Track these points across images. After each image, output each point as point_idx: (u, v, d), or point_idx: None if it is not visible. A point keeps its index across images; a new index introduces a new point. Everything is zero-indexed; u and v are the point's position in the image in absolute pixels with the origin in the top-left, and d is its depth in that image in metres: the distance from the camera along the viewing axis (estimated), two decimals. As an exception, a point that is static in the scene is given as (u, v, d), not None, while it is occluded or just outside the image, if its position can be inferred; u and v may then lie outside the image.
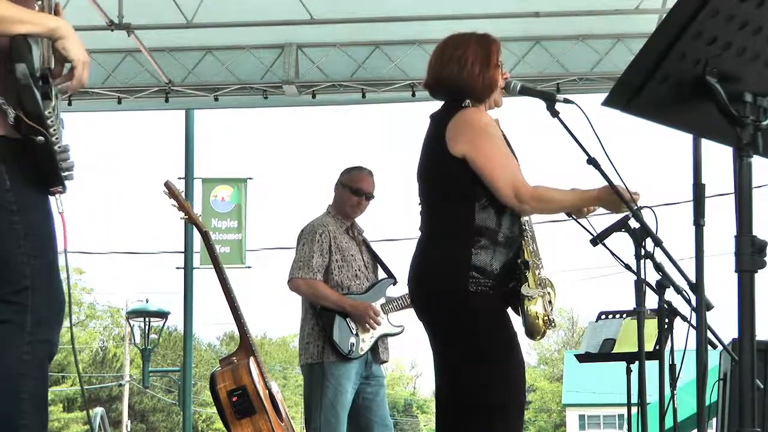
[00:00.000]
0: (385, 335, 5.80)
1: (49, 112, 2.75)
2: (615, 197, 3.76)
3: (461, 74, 3.83)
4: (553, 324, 3.86)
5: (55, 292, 2.88)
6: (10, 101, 2.71)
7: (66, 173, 2.85)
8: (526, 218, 3.92)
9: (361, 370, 5.72)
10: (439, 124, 3.85)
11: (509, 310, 3.87)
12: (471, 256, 3.70)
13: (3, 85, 2.72)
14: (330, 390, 5.59)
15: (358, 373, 5.70)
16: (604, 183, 3.87)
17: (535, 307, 3.77)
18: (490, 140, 3.76)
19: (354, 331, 5.65)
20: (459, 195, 3.77)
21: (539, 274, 3.83)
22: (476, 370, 3.71)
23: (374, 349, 5.75)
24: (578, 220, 4.64)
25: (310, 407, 5.66)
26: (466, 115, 3.79)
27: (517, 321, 3.87)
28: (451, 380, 3.80)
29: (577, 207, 3.86)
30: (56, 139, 2.77)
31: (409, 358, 65.10)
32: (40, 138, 2.74)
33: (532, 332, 3.83)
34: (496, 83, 3.88)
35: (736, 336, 2.22)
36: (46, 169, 2.81)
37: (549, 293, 3.86)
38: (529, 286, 3.77)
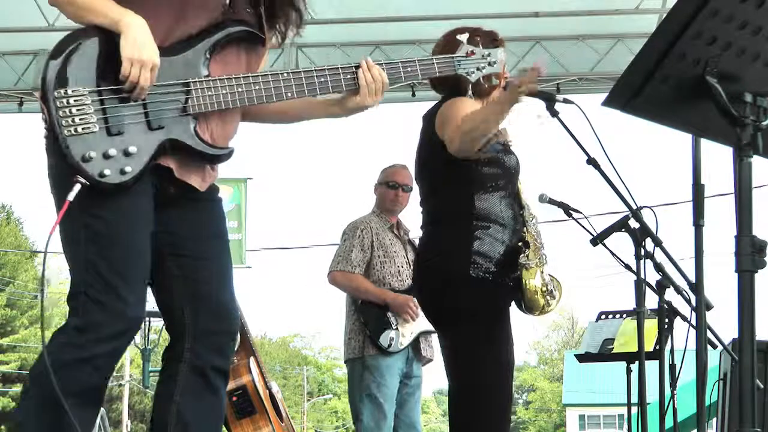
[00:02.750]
0: (427, 332, 5.77)
1: (59, 94, 2.71)
2: (510, 91, 3.61)
3: None
4: (552, 297, 3.81)
5: (113, 302, 2.78)
6: None
7: (87, 164, 2.72)
8: (532, 221, 3.91)
9: (403, 367, 5.72)
10: (431, 117, 3.89)
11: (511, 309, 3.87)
12: (473, 241, 3.71)
13: None
14: (372, 384, 5.58)
15: (400, 369, 5.70)
16: (606, 184, 3.87)
17: (534, 281, 3.75)
18: (455, 107, 3.76)
19: (394, 326, 5.64)
20: (457, 182, 3.80)
21: (540, 252, 3.81)
22: (473, 354, 3.73)
23: (416, 346, 5.74)
24: (578, 220, 4.65)
25: (354, 402, 5.66)
26: (450, 102, 3.82)
27: (525, 320, 3.87)
28: (450, 363, 3.82)
29: (494, 116, 3.65)
30: (70, 124, 2.71)
31: (409, 358, 64.89)
32: (45, 134, 2.75)
33: (532, 307, 3.80)
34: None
35: (736, 336, 2.22)
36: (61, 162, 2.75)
37: (545, 260, 3.83)
38: (528, 257, 3.75)
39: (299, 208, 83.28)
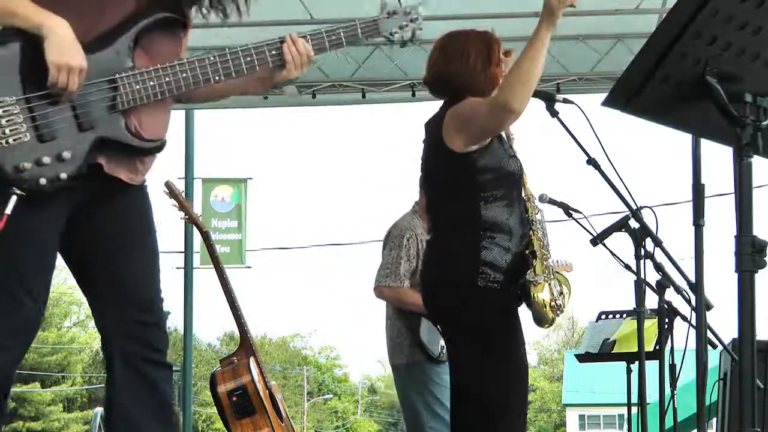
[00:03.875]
0: None
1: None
2: (552, 5, 3.55)
3: (464, 71, 3.81)
4: (560, 310, 3.82)
5: (6, 299, 2.82)
6: None
7: (22, 174, 2.72)
8: (538, 216, 3.90)
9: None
10: (435, 124, 3.84)
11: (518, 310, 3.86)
12: (480, 251, 3.69)
13: None
14: (438, 389, 5.44)
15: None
16: (606, 184, 3.87)
17: (542, 294, 3.74)
18: (469, 104, 3.74)
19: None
20: (463, 191, 3.77)
21: (547, 263, 3.81)
22: (480, 367, 3.71)
23: None
24: (578, 220, 4.65)
25: (415, 409, 5.51)
26: (453, 109, 3.78)
27: (524, 319, 3.86)
28: (457, 376, 3.80)
29: (537, 51, 3.58)
30: (1, 136, 2.69)
31: (409, 358, 64.74)
32: None
33: (540, 320, 3.79)
34: (497, 80, 3.87)
35: (736, 336, 2.22)
36: None
37: (556, 281, 3.83)
38: (535, 272, 3.74)
39: (299, 208, 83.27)
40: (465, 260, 3.71)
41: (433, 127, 3.86)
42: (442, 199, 3.85)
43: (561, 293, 3.86)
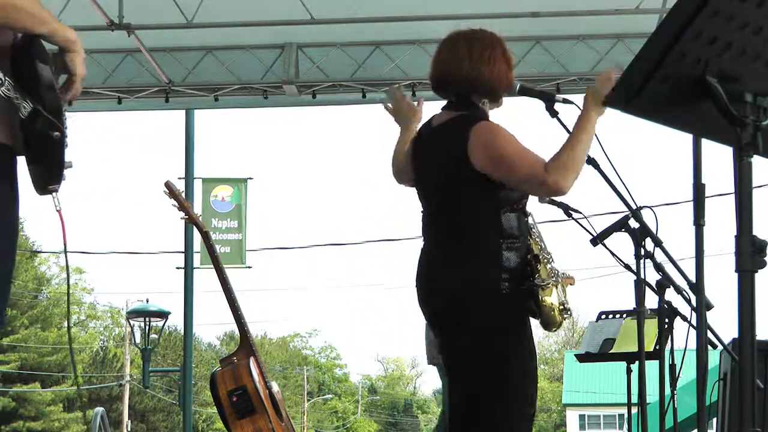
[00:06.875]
0: None
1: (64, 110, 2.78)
2: (598, 92, 3.70)
3: (490, 75, 3.78)
4: (569, 313, 3.81)
5: None
6: (26, 97, 2.69)
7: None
8: (529, 220, 3.88)
9: None
10: (456, 137, 3.77)
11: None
12: (501, 258, 3.68)
13: (16, 81, 2.69)
14: None
15: None
16: (606, 184, 3.87)
17: (550, 298, 3.71)
18: (507, 146, 3.71)
19: None
20: (484, 203, 3.72)
21: (550, 267, 3.79)
22: (498, 374, 3.68)
23: None
24: (578, 220, 4.65)
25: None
26: (484, 132, 3.72)
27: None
28: (473, 381, 3.75)
29: (590, 138, 3.73)
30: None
31: (409, 358, 65.05)
32: (57, 134, 2.75)
33: (549, 323, 3.76)
34: (512, 83, 3.87)
35: (736, 336, 2.22)
36: (54, 167, 2.81)
37: (557, 275, 3.81)
38: (540, 276, 3.72)
39: (299, 208, 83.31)
40: (487, 268, 3.68)
41: (453, 140, 3.77)
42: (461, 209, 3.75)
43: (568, 309, 3.84)
